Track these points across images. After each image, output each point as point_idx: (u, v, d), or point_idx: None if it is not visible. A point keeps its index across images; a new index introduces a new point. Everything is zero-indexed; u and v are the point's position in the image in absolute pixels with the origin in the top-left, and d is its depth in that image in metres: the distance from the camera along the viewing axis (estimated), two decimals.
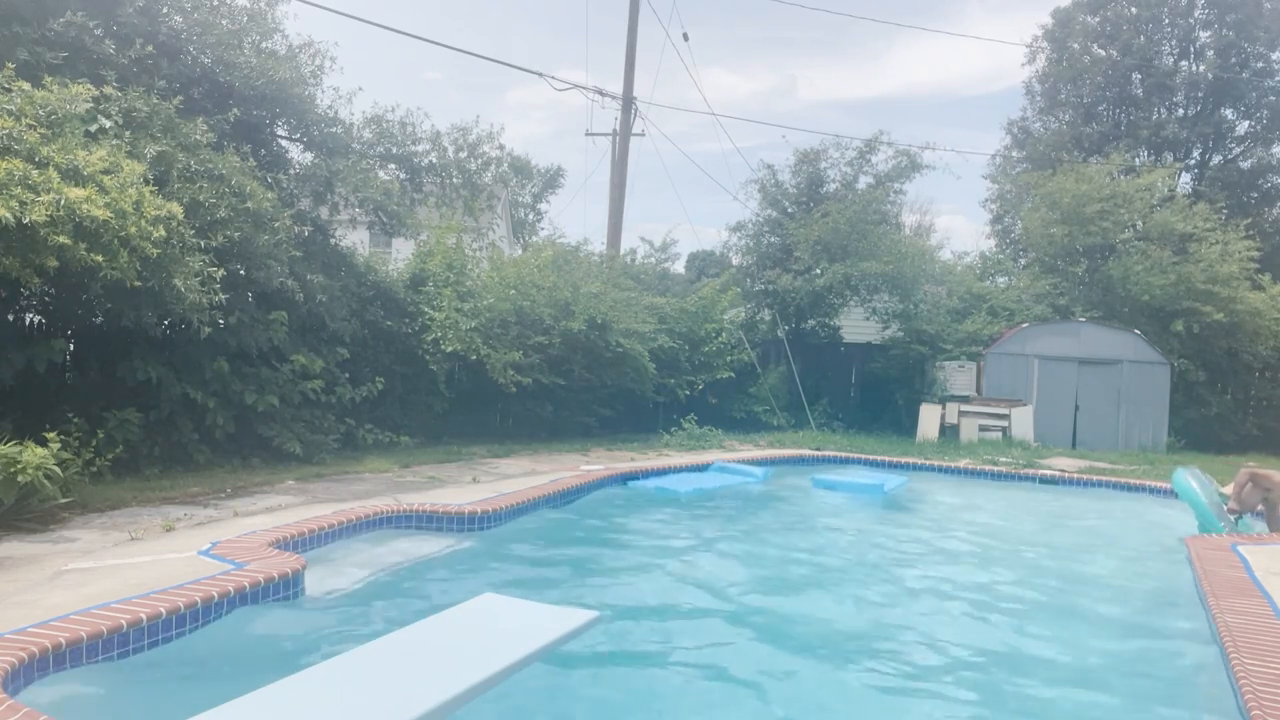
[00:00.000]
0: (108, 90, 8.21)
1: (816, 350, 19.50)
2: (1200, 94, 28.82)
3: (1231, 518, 8.64)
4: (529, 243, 25.76)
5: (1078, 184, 19.02)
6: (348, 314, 11.44)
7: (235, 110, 9.73)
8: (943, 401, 16.82)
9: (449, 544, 7.01)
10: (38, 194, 6.44)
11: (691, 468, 11.39)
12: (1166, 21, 29.40)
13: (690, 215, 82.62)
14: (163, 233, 7.27)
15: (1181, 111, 29.32)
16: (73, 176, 6.89)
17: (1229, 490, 8.88)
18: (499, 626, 4.48)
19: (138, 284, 7.32)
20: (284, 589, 5.21)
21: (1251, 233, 20.67)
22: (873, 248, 17.48)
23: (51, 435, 6.86)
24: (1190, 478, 9.10)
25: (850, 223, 17.60)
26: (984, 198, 31.52)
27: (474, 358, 12.32)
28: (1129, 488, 11.36)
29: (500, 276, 13.78)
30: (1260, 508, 8.76)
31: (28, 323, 8.92)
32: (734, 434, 15.73)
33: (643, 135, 21.90)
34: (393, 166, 12.80)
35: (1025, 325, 17.74)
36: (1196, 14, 29.23)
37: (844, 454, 13.45)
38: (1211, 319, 17.80)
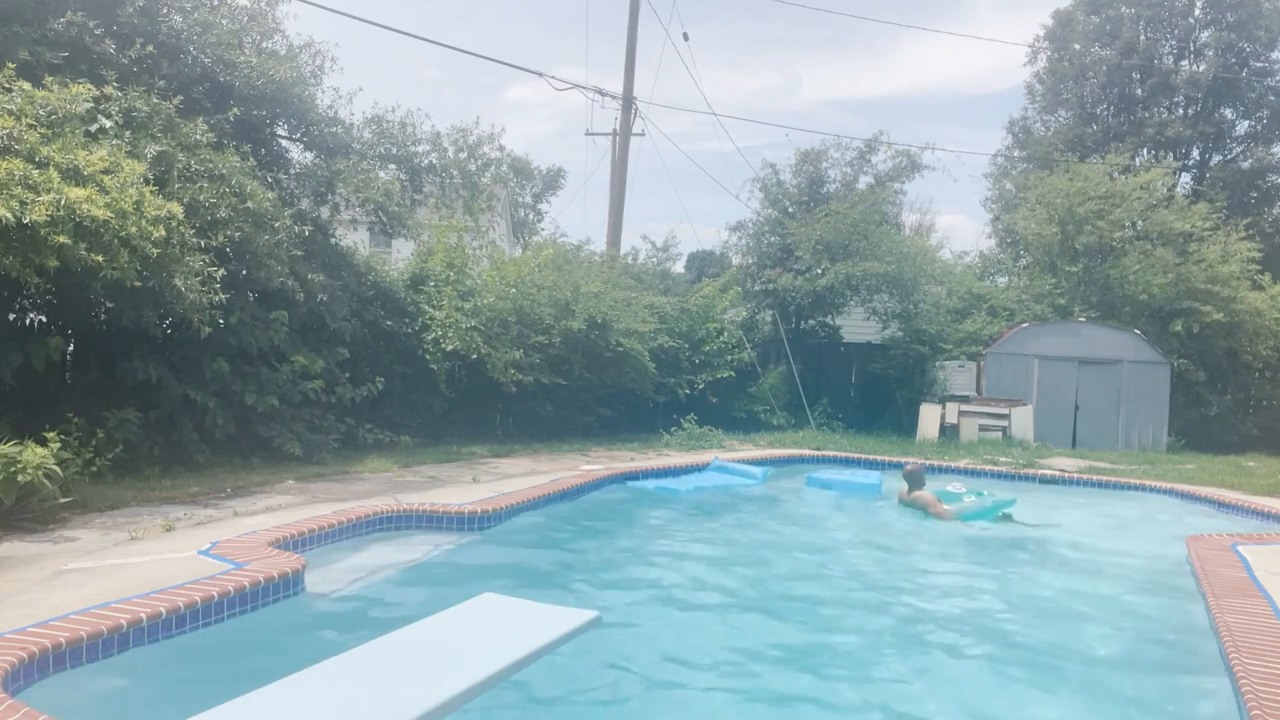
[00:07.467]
0: (108, 90, 8.20)
1: (816, 350, 19.50)
2: (1200, 94, 28.81)
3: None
4: (529, 242, 25.75)
5: (1071, 183, 19.01)
6: (348, 314, 11.43)
7: (235, 110, 9.73)
8: (943, 401, 16.82)
9: (449, 544, 7.01)
10: (38, 194, 6.44)
11: (691, 468, 11.38)
12: (1167, 21, 29.40)
13: (690, 215, 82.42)
14: (163, 232, 7.27)
15: (1182, 111, 29.31)
16: (73, 176, 6.89)
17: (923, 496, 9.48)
18: (498, 626, 4.48)
19: (138, 284, 7.31)
20: (284, 589, 5.21)
21: (1251, 233, 20.67)
22: (874, 248, 17.47)
23: (51, 435, 6.85)
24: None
25: (853, 223, 17.60)
26: (985, 197, 31.52)
27: (474, 357, 12.31)
28: (1129, 487, 11.37)
29: (501, 275, 13.77)
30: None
31: (28, 323, 8.92)
32: (734, 434, 15.72)
33: (643, 135, 21.89)
34: (393, 167, 12.79)
35: (1025, 325, 17.74)
36: (1196, 14, 29.23)
37: (844, 454, 13.44)
38: (1211, 319, 17.78)
